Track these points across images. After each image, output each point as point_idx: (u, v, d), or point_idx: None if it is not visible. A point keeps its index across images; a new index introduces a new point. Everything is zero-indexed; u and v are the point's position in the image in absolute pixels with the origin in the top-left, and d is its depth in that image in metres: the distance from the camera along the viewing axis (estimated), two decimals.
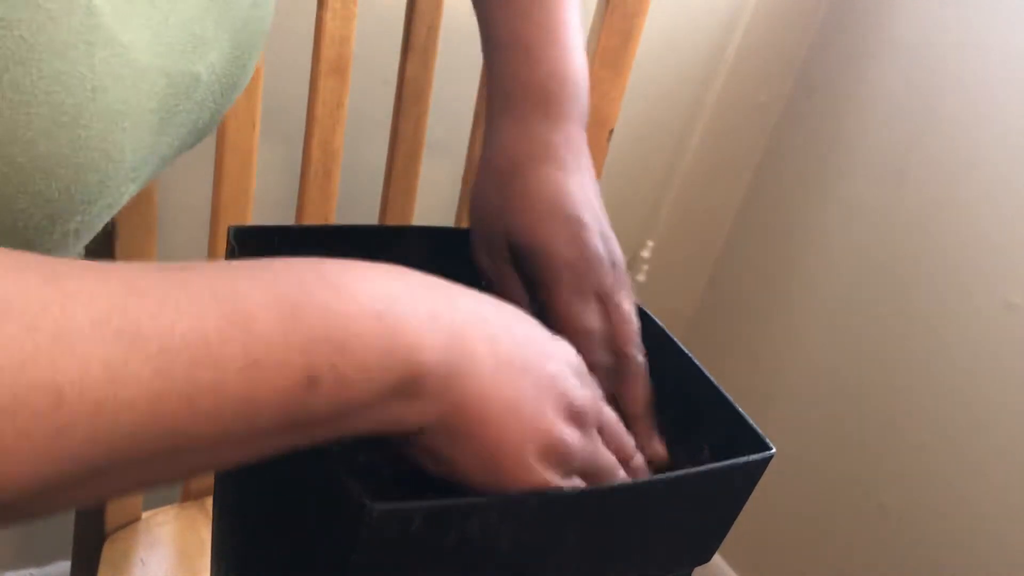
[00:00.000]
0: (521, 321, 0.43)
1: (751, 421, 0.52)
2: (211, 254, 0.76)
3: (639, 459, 0.50)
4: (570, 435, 0.42)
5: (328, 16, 0.71)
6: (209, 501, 0.84)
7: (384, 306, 0.35)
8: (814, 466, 1.32)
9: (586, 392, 0.44)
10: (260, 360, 0.31)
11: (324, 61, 0.72)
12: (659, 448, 0.56)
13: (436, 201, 1.07)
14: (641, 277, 1.36)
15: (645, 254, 1.35)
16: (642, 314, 0.60)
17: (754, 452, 0.49)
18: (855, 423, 1.27)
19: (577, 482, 0.43)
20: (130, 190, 0.41)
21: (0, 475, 0.26)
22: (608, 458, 0.46)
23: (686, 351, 0.57)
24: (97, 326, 0.28)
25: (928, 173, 1.16)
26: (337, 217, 0.80)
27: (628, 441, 0.50)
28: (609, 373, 0.55)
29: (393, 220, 0.83)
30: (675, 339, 0.58)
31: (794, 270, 1.34)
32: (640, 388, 0.56)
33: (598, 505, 0.43)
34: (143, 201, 0.71)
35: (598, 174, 0.88)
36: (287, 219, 0.88)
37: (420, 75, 0.79)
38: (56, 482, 0.28)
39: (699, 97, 1.26)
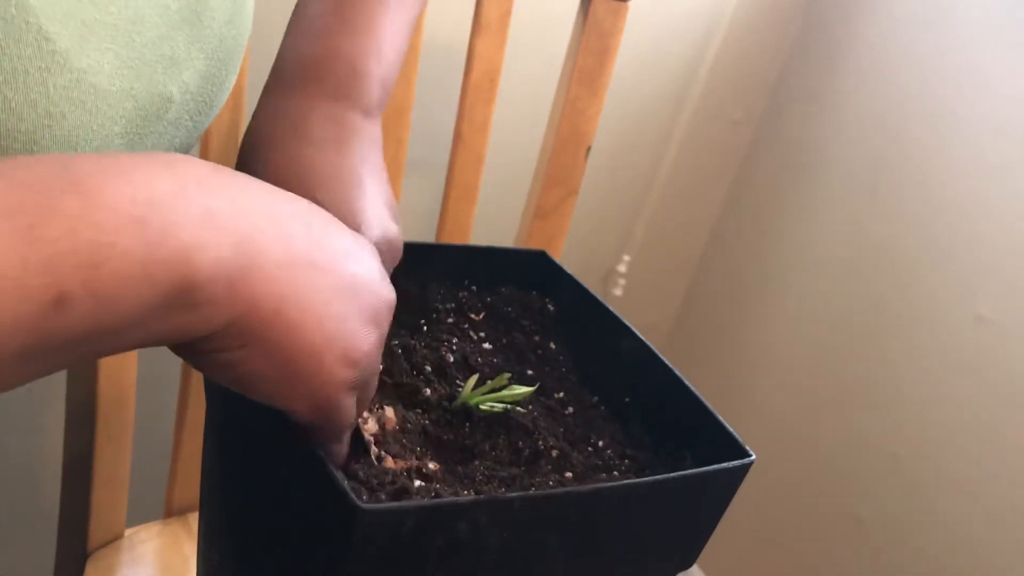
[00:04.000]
0: (319, 217, 0.40)
1: (731, 428, 0.53)
2: None
3: None
4: (368, 340, 0.40)
5: None
6: (192, 517, 0.84)
7: (146, 209, 0.31)
8: (790, 478, 1.33)
9: (386, 293, 0.43)
10: None
11: None
12: None
13: (415, 218, 1.09)
14: (618, 291, 1.37)
15: (622, 268, 1.37)
16: (623, 327, 0.62)
17: (734, 459, 0.50)
18: (830, 435, 1.28)
19: (351, 400, 0.41)
20: None
21: None
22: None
23: (666, 362, 0.59)
24: None
25: (899, 189, 1.18)
26: None
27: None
28: None
29: None
30: (655, 350, 0.60)
31: (769, 283, 1.36)
32: None
33: (581, 507, 0.44)
34: None
35: (577, 190, 0.89)
36: None
37: (401, 95, 0.80)
38: None
39: (674, 115, 1.28)
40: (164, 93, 0.40)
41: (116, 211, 0.31)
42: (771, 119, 1.34)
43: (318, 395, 0.38)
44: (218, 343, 0.35)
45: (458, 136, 0.83)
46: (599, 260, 1.37)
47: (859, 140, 1.23)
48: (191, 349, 0.36)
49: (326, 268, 0.38)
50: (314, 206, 0.40)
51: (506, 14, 0.80)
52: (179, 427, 0.81)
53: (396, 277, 0.58)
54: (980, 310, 1.11)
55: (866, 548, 1.24)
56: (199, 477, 0.60)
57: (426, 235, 0.97)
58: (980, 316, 1.11)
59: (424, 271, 0.65)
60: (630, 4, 0.84)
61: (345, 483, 0.38)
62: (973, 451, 1.12)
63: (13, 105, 0.32)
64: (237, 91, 0.72)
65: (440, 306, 0.64)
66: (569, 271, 0.68)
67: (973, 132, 1.11)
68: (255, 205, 0.36)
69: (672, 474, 0.47)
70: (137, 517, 0.83)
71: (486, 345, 0.63)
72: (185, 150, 0.47)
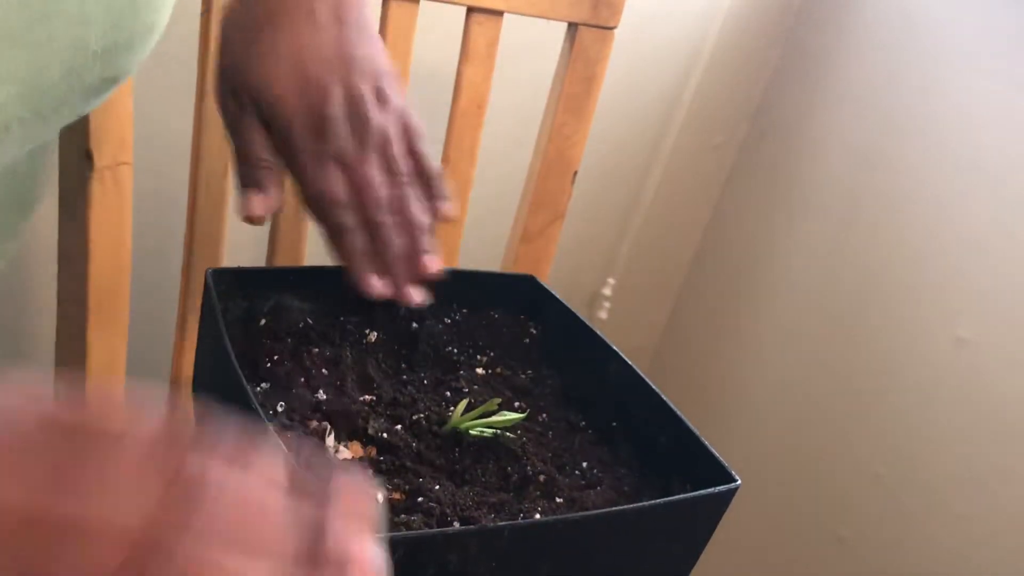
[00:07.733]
0: None
1: (717, 454, 0.54)
2: (184, 296, 0.77)
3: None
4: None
5: None
6: None
7: None
8: (773, 497, 1.34)
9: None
10: None
11: None
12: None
13: None
14: (603, 314, 1.38)
15: (607, 292, 1.38)
16: (610, 351, 0.62)
17: (720, 484, 0.51)
18: (813, 455, 1.29)
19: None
20: None
21: None
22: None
23: (652, 386, 0.59)
24: None
25: (878, 213, 1.20)
26: (308, 259, 0.81)
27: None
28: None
29: None
30: (642, 374, 0.60)
31: (751, 306, 1.37)
32: (388, 241, 0.58)
33: (570, 534, 0.45)
34: (116, 243, 0.71)
35: (563, 215, 0.90)
36: (259, 261, 0.89)
37: None
38: None
39: (658, 140, 1.30)
40: None
41: None
42: (753, 143, 1.35)
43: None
44: None
45: (446, 161, 0.83)
46: (584, 283, 1.38)
47: (839, 164, 1.24)
48: None
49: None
50: None
51: (493, 42, 0.81)
52: None
53: (385, 304, 0.59)
54: (960, 332, 1.12)
55: (849, 568, 1.24)
56: None
57: None
58: (960, 338, 1.12)
59: None
60: (615, 31, 0.85)
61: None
62: (954, 471, 1.13)
63: None
64: None
65: (429, 330, 0.65)
66: (557, 295, 0.68)
67: (952, 157, 1.12)
68: None
69: (658, 501, 0.47)
70: None
71: (478, 371, 0.63)
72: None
